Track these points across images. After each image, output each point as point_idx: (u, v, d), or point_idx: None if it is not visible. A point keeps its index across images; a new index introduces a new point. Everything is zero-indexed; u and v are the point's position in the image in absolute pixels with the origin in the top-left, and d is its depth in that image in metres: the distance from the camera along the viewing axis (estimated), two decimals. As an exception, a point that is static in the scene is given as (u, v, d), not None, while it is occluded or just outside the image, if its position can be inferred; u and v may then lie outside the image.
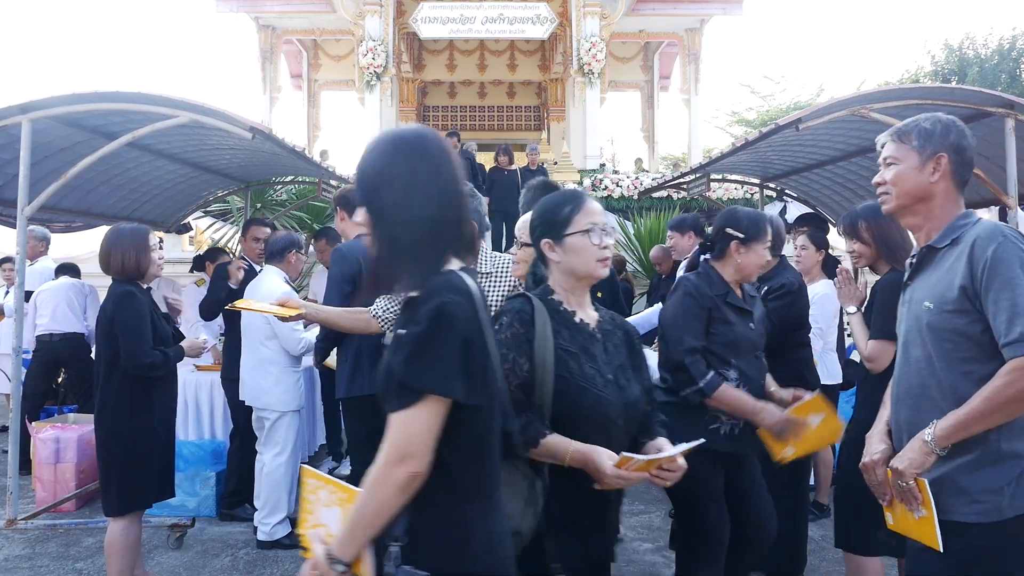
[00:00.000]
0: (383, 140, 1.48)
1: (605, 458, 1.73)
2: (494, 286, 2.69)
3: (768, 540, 2.77)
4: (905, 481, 1.79)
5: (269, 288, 4.12)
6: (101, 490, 3.35)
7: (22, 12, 67.37)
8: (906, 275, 1.97)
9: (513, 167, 10.32)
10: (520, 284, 2.64)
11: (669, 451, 1.80)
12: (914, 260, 1.95)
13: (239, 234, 6.59)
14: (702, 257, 2.84)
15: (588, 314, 1.97)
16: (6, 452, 4.88)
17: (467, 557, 1.38)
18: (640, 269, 9.09)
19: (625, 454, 1.72)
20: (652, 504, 4.82)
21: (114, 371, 3.25)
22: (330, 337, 3.66)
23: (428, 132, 1.50)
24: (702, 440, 1.84)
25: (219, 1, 13.62)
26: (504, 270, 2.74)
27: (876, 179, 1.96)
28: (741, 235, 2.71)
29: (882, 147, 1.96)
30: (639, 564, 3.87)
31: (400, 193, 1.41)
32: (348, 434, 3.85)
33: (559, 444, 1.77)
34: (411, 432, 1.30)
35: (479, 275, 2.71)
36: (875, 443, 2.00)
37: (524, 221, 2.52)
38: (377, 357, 3.38)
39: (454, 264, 1.45)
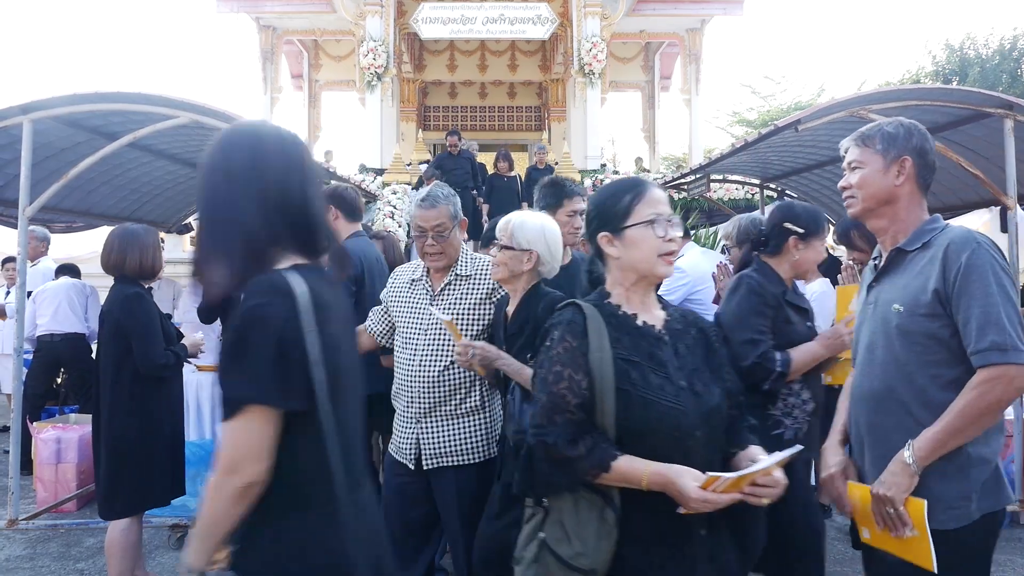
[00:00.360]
0: (223, 132, 1.43)
1: (688, 479, 1.50)
2: (472, 288, 2.67)
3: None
4: (895, 507, 1.75)
5: None
6: (102, 493, 3.29)
7: (23, 12, 67.46)
8: (871, 276, 1.96)
9: (513, 173, 10.29)
10: (499, 288, 2.63)
11: (763, 463, 1.55)
12: (878, 262, 1.96)
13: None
14: (753, 253, 2.74)
15: (653, 315, 1.74)
16: (7, 452, 4.89)
17: (302, 568, 1.33)
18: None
19: (711, 474, 1.50)
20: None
21: (122, 372, 3.23)
22: None
23: (269, 128, 1.45)
24: (799, 448, 1.63)
25: (220, 1, 13.64)
26: (482, 272, 2.72)
27: (841, 183, 1.96)
28: (801, 230, 2.61)
29: (846, 151, 1.97)
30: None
31: (221, 186, 1.36)
32: None
33: (633, 466, 1.55)
34: (238, 442, 1.28)
35: (458, 277, 2.69)
36: (830, 455, 1.98)
37: (503, 222, 2.50)
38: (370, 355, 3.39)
39: (287, 262, 1.39)
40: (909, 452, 1.73)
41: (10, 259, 6.75)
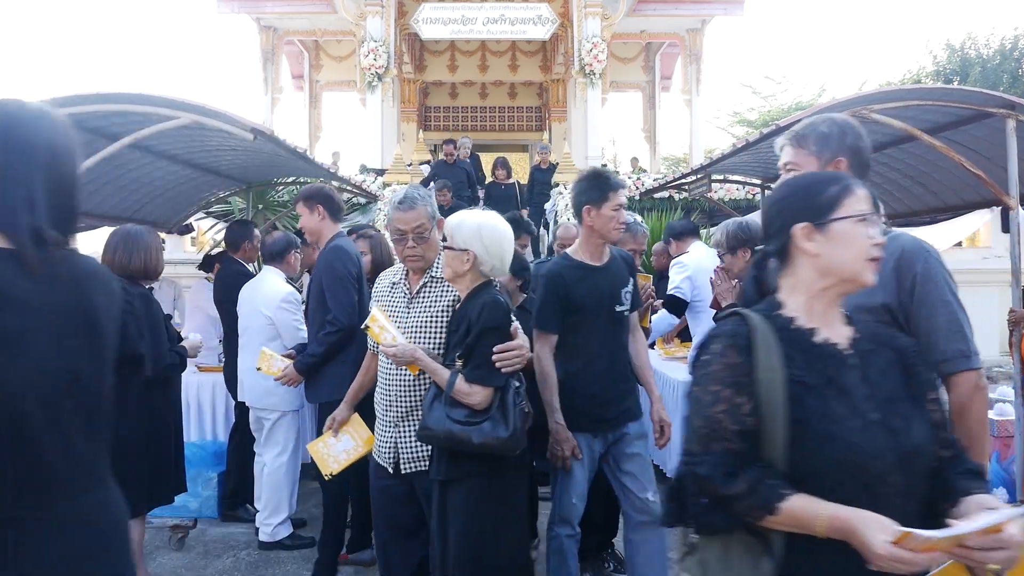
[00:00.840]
0: None
1: (876, 529, 1.21)
2: (447, 290, 2.65)
3: None
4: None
5: (272, 288, 4.13)
6: None
7: (23, 13, 67.54)
8: None
9: (511, 181, 10.26)
10: (454, 292, 2.58)
11: (984, 520, 1.20)
12: None
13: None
14: None
15: (836, 331, 1.46)
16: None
17: None
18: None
19: (905, 529, 1.19)
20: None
21: (131, 372, 3.25)
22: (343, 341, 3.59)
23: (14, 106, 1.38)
24: None
25: (220, 2, 13.64)
26: None
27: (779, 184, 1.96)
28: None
29: (781, 150, 1.93)
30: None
31: None
32: None
33: (807, 508, 1.28)
34: None
35: (433, 279, 2.66)
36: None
37: (452, 221, 2.49)
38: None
39: None
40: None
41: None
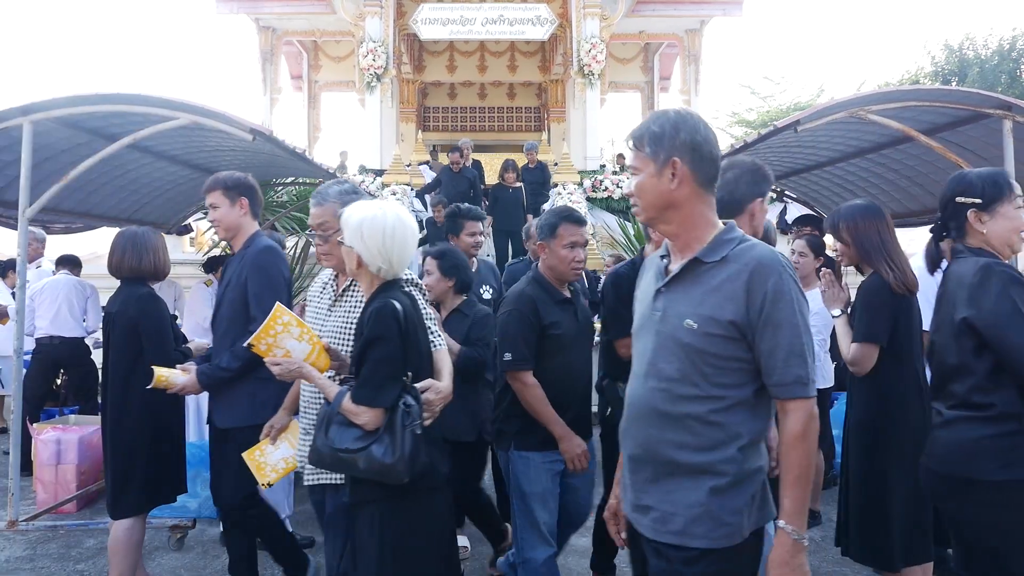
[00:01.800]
0: None
1: None
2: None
3: None
4: None
5: None
6: (112, 492, 3.32)
7: (23, 13, 67.47)
8: (661, 282, 1.77)
9: (518, 184, 10.10)
10: (357, 296, 2.46)
11: None
12: (668, 263, 1.81)
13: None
14: (938, 244, 2.44)
15: None
16: (7, 454, 4.88)
17: None
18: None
19: None
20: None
21: (135, 372, 3.26)
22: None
23: None
24: None
25: (219, 2, 13.64)
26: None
27: (624, 190, 1.88)
28: (977, 200, 2.25)
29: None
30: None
31: None
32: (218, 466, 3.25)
33: None
34: None
35: (407, 283, 2.43)
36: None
37: (345, 212, 2.27)
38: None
39: None
40: (783, 522, 1.62)
41: (10, 267, 6.70)
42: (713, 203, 1.76)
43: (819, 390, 3.88)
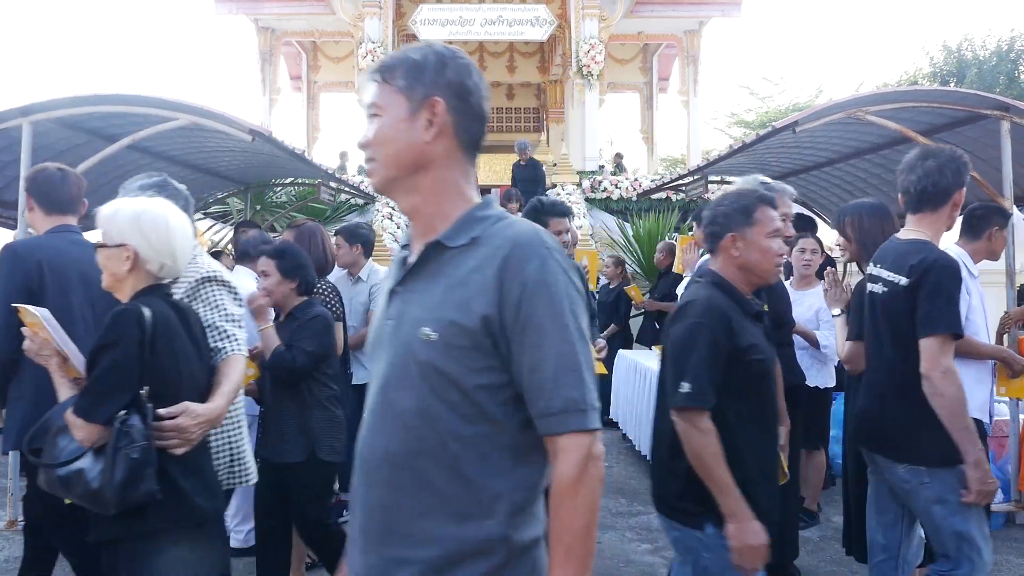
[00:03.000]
0: None
1: None
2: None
3: None
4: None
5: (243, 290, 4.09)
6: None
7: (22, 13, 67.47)
8: (395, 279, 1.30)
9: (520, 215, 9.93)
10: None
11: None
12: (407, 254, 1.31)
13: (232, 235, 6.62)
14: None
15: None
16: (7, 453, 4.88)
17: None
18: (639, 270, 9.12)
19: None
20: (651, 504, 4.82)
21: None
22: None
23: None
24: None
25: (218, 3, 13.66)
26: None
27: (359, 140, 1.31)
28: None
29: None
30: (638, 565, 3.88)
31: None
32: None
33: None
34: None
35: (208, 282, 2.30)
36: None
37: (104, 211, 1.97)
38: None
39: None
40: None
41: None
42: (471, 175, 1.31)
43: (820, 390, 3.96)
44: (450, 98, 1.26)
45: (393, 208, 10.20)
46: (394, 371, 1.24)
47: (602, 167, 12.67)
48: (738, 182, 2.05)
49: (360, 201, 10.48)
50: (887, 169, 5.72)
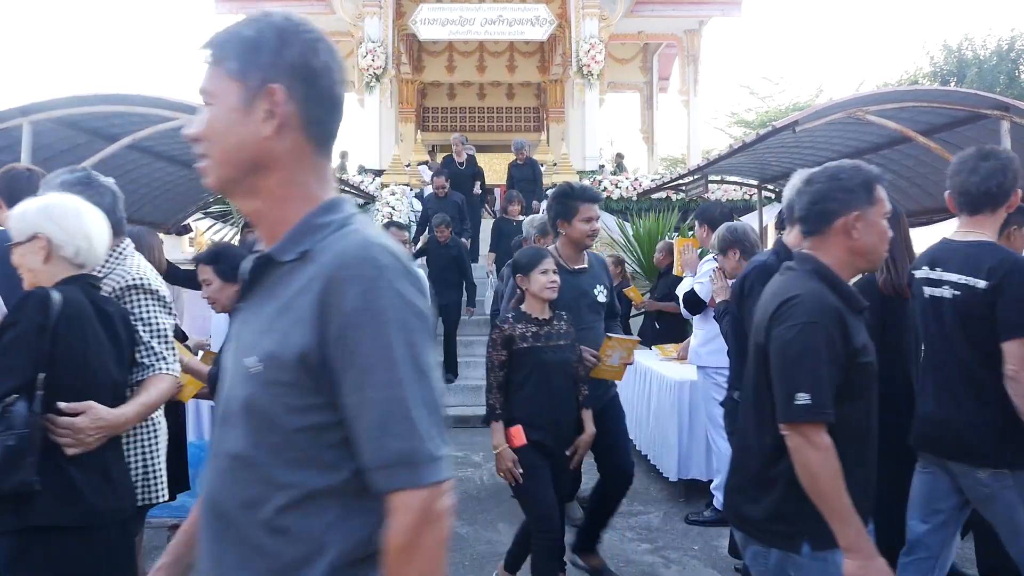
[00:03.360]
0: None
1: None
2: None
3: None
4: None
5: None
6: None
7: (22, 13, 67.43)
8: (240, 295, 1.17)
9: (522, 217, 9.48)
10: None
11: None
12: (246, 274, 1.14)
13: (239, 236, 6.62)
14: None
15: None
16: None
17: None
18: (639, 270, 9.12)
19: None
20: (651, 504, 4.83)
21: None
22: None
23: None
24: None
25: (219, 2, 13.65)
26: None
27: (185, 130, 1.13)
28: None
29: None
30: (638, 564, 3.88)
31: None
32: None
33: None
34: None
35: (139, 290, 2.32)
36: None
37: (13, 213, 2.01)
38: None
39: None
40: None
41: None
42: (325, 173, 1.14)
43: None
44: (293, 83, 1.05)
45: (393, 208, 10.19)
46: (227, 405, 1.09)
47: (602, 167, 12.66)
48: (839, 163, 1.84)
49: (360, 201, 10.48)
50: (887, 169, 5.72)
